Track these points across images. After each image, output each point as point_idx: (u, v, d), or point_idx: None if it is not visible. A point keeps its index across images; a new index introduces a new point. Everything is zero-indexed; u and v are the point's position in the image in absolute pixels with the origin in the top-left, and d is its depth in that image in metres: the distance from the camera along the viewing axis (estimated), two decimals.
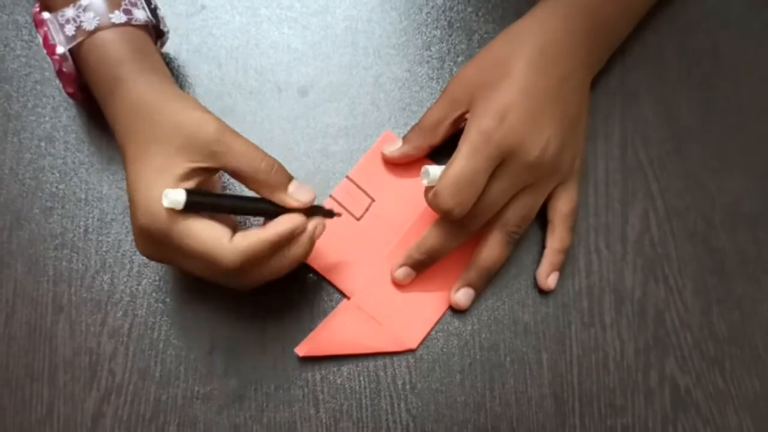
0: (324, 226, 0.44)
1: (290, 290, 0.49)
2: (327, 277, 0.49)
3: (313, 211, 0.44)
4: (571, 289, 0.49)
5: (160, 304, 0.48)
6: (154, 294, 0.48)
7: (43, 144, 0.51)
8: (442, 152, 0.50)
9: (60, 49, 0.44)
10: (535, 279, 0.49)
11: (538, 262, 0.49)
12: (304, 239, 0.43)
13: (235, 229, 0.42)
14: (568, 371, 0.48)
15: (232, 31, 0.54)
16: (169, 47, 0.52)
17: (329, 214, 0.46)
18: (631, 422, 0.47)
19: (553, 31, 0.47)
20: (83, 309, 0.48)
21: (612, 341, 0.48)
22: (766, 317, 0.49)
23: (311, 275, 0.49)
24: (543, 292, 0.49)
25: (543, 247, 0.49)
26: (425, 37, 0.54)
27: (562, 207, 0.49)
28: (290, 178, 0.43)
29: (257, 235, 0.41)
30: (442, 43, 0.54)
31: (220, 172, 0.43)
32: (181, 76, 0.52)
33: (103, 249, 0.49)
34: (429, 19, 0.55)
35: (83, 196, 0.50)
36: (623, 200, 0.51)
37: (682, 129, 0.53)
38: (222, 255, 0.40)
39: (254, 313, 0.48)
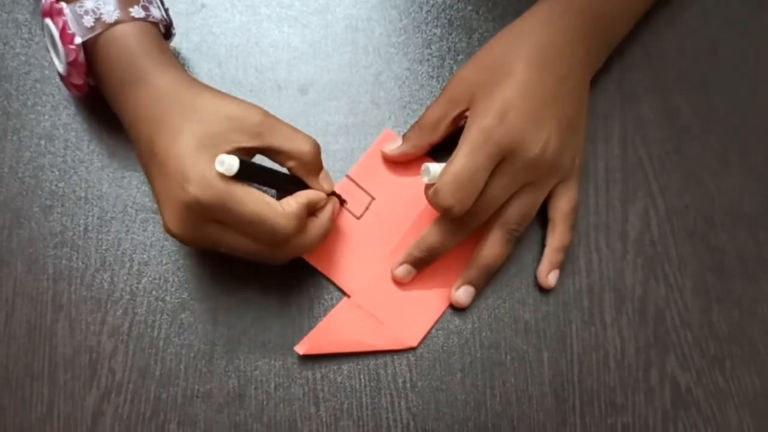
0: (340, 207, 0.48)
1: (290, 289, 0.49)
2: (327, 276, 0.49)
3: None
4: (571, 288, 0.49)
5: (160, 303, 0.48)
6: (154, 292, 0.48)
7: (42, 142, 0.51)
8: (442, 150, 0.50)
9: (78, 40, 0.44)
10: (535, 277, 0.49)
11: (539, 260, 0.49)
12: (327, 211, 0.46)
13: None
14: (568, 369, 0.48)
15: (232, 29, 0.54)
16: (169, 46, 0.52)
17: (342, 199, 0.49)
18: (631, 420, 0.47)
19: (553, 30, 0.48)
20: (83, 307, 0.48)
21: (612, 340, 0.48)
22: (765, 316, 0.49)
23: (311, 273, 0.49)
24: (543, 291, 0.49)
25: (543, 245, 0.49)
26: (425, 36, 0.54)
27: (562, 205, 0.49)
28: (322, 166, 0.46)
29: (295, 200, 0.43)
30: (443, 41, 0.54)
31: None
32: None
33: (103, 247, 0.49)
34: (429, 18, 0.55)
35: (83, 195, 0.50)
36: (623, 199, 0.51)
37: (681, 128, 0.53)
38: (279, 218, 0.41)
39: (254, 312, 0.48)
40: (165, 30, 0.48)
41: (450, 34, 0.54)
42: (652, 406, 0.47)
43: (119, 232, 0.49)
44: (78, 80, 0.46)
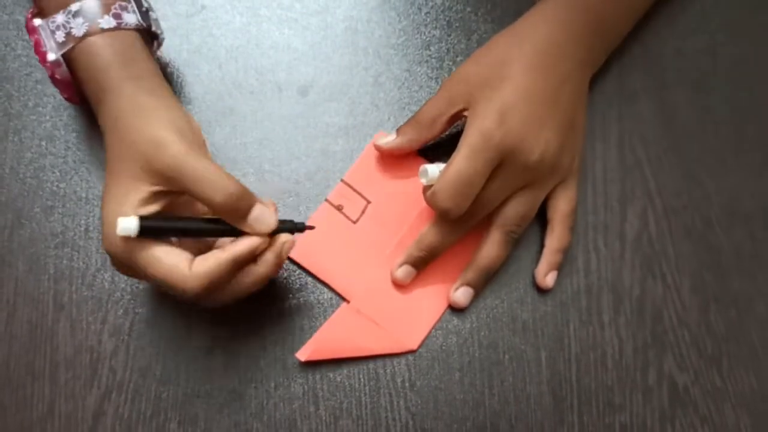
0: (293, 243, 0.42)
1: (290, 290, 0.49)
2: (325, 281, 0.49)
3: (281, 227, 0.42)
4: (569, 288, 0.50)
5: (161, 303, 0.48)
6: (154, 292, 0.48)
7: (44, 143, 0.51)
8: (440, 150, 0.50)
9: (51, 56, 0.43)
10: (533, 277, 0.49)
11: (537, 261, 0.49)
12: (268, 257, 0.41)
13: (200, 251, 0.41)
14: (566, 369, 0.48)
15: (232, 31, 0.54)
16: (169, 47, 0.52)
17: (299, 227, 0.44)
18: (629, 420, 0.47)
19: (552, 31, 0.48)
20: (84, 307, 0.48)
21: (610, 339, 0.49)
22: (762, 315, 0.49)
23: (310, 279, 0.49)
24: (541, 291, 0.49)
25: (542, 246, 0.50)
26: (424, 37, 0.54)
27: (561, 206, 0.49)
28: (251, 205, 0.41)
29: (216, 257, 0.40)
30: (442, 42, 0.54)
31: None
32: (181, 76, 0.53)
33: None
34: (428, 19, 0.55)
35: (84, 195, 0.50)
36: (621, 199, 0.51)
37: (679, 128, 0.53)
38: (182, 282, 0.39)
39: (254, 313, 0.48)
40: (149, 33, 0.47)
41: (449, 36, 0.55)
42: (650, 406, 0.48)
43: None
44: (63, 93, 0.46)
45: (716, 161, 0.53)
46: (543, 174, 0.47)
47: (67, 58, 0.44)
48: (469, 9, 0.55)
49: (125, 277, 0.48)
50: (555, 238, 0.49)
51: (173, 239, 0.42)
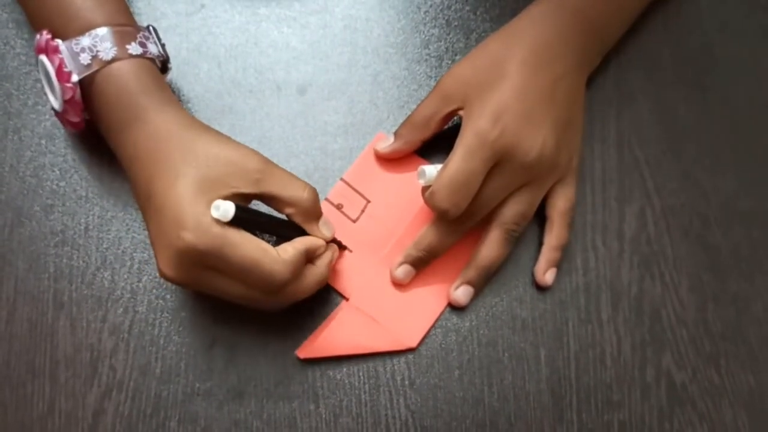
0: (338, 254, 0.48)
1: None
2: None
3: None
4: (568, 286, 0.50)
5: (161, 301, 0.48)
6: (154, 291, 0.48)
7: (43, 142, 0.51)
8: (438, 150, 0.50)
9: (75, 78, 0.43)
10: (532, 276, 0.50)
11: (536, 259, 0.50)
12: (325, 258, 0.45)
13: None
14: (565, 367, 0.48)
15: (231, 30, 0.54)
16: (168, 46, 0.52)
17: (342, 246, 0.49)
18: (627, 417, 0.48)
19: (547, 31, 0.48)
20: (84, 306, 0.48)
21: (609, 337, 0.49)
22: (760, 314, 0.50)
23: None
24: (541, 289, 0.50)
25: (541, 244, 0.50)
26: (423, 36, 0.55)
27: (559, 204, 0.49)
28: (321, 211, 0.45)
29: (293, 246, 0.43)
30: (440, 41, 0.55)
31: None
32: (180, 74, 0.53)
33: (104, 246, 0.49)
34: (427, 18, 0.55)
35: (84, 194, 0.50)
36: (620, 198, 0.52)
37: (677, 128, 0.53)
38: (273, 266, 0.41)
39: (254, 312, 0.48)
40: (162, 65, 0.48)
41: (448, 35, 0.55)
42: (648, 403, 0.48)
43: (120, 231, 0.49)
44: (74, 117, 0.46)
45: (714, 161, 0.53)
46: (541, 172, 0.47)
47: (86, 81, 0.44)
48: (467, 8, 0.55)
49: (125, 276, 0.48)
50: (553, 236, 0.49)
51: None
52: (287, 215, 0.44)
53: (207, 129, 0.44)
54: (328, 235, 0.46)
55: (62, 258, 0.49)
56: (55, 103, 0.45)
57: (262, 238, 0.42)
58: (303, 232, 0.45)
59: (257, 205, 0.45)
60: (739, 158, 0.53)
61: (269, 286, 0.41)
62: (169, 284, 0.48)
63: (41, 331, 0.48)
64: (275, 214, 0.45)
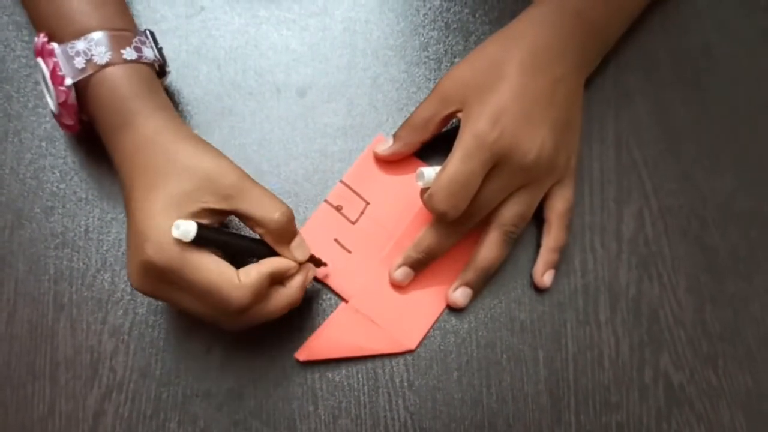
0: (314, 274, 0.46)
1: None
2: (324, 281, 0.49)
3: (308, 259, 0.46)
4: (566, 288, 0.50)
5: (160, 303, 0.48)
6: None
7: (43, 144, 0.51)
8: (436, 152, 0.50)
9: (68, 81, 0.44)
10: (531, 278, 0.50)
11: (534, 261, 0.50)
12: (297, 281, 0.44)
13: None
14: (563, 368, 0.48)
15: (231, 32, 0.54)
16: (168, 49, 0.53)
17: (318, 263, 0.47)
18: (625, 418, 0.48)
19: (546, 33, 0.48)
20: (84, 308, 0.48)
21: (607, 339, 0.49)
22: (757, 315, 0.50)
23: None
24: (539, 291, 0.50)
25: (539, 246, 0.50)
26: (422, 39, 0.55)
27: (557, 206, 0.49)
28: (296, 232, 0.44)
29: (257, 269, 0.41)
30: (439, 44, 0.55)
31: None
32: (180, 76, 0.53)
33: (104, 248, 0.49)
34: (426, 21, 0.55)
35: (84, 196, 0.50)
36: (618, 199, 0.52)
37: (675, 129, 0.54)
38: (232, 291, 0.40)
39: None
40: (159, 68, 0.48)
41: (447, 37, 0.55)
42: (646, 404, 0.48)
43: (119, 233, 0.50)
44: (69, 120, 0.46)
45: (712, 162, 0.53)
46: (539, 174, 0.47)
47: (78, 87, 0.44)
48: (466, 11, 0.56)
49: (125, 278, 0.49)
50: (551, 238, 0.49)
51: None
52: (259, 235, 0.43)
53: (191, 138, 0.44)
54: (299, 258, 0.44)
55: (62, 260, 0.49)
56: (52, 106, 0.46)
57: (229, 257, 0.41)
58: (275, 253, 0.44)
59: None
60: (737, 159, 0.53)
61: (227, 310, 0.41)
62: None
63: (41, 332, 0.48)
64: (249, 233, 0.45)
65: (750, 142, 0.54)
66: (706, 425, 0.48)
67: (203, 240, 0.40)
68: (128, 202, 0.42)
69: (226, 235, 0.42)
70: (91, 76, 0.44)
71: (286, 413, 0.47)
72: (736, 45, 0.56)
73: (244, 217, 0.42)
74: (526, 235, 0.50)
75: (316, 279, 0.49)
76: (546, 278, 0.49)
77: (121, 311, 0.48)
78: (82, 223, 0.50)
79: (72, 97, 0.44)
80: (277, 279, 0.43)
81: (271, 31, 0.54)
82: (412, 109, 0.52)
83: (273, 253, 0.44)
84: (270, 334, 0.48)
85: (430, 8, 0.56)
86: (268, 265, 0.42)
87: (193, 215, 0.41)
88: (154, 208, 0.40)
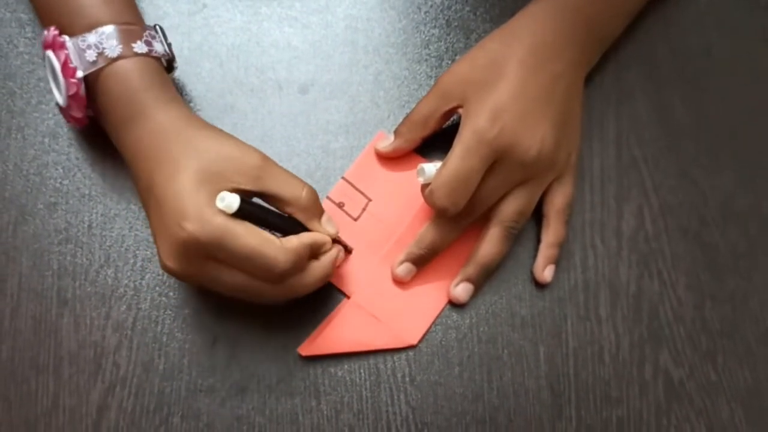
0: (344, 257, 0.48)
1: None
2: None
3: (334, 242, 0.47)
4: (567, 284, 0.50)
5: (164, 298, 0.49)
6: (157, 288, 0.49)
7: (47, 140, 0.51)
8: (437, 148, 0.51)
9: (80, 73, 0.44)
10: (531, 273, 0.50)
11: (535, 256, 0.50)
12: (330, 255, 0.45)
13: None
14: (564, 364, 0.49)
15: (233, 29, 0.54)
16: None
17: (346, 247, 0.48)
18: (626, 413, 0.48)
19: (546, 30, 0.48)
20: (87, 303, 0.48)
21: (607, 334, 0.49)
22: (756, 311, 0.50)
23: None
24: (540, 287, 0.50)
25: (539, 241, 0.50)
26: (424, 36, 0.55)
27: (556, 201, 0.50)
28: (322, 209, 0.46)
29: (298, 238, 0.43)
30: (441, 41, 0.55)
31: None
32: (182, 73, 0.53)
33: (107, 244, 0.50)
34: (427, 18, 0.55)
35: (87, 192, 0.51)
36: (618, 197, 0.52)
37: (675, 127, 0.54)
38: (276, 254, 0.41)
39: (256, 309, 0.49)
40: (167, 64, 0.48)
41: (448, 35, 0.55)
42: (646, 400, 0.48)
43: (123, 229, 0.50)
44: (78, 113, 0.46)
45: (711, 160, 0.53)
46: (539, 170, 0.47)
47: (91, 78, 0.44)
48: (467, 8, 0.56)
49: (128, 274, 0.49)
50: (550, 233, 0.50)
51: None
52: (288, 214, 0.44)
53: (208, 126, 0.45)
54: (331, 231, 0.46)
55: (66, 255, 0.49)
56: (60, 99, 0.46)
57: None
58: (307, 230, 0.45)
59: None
60: (737, 157, 0.53)
61: (271, 273, 0.41)
62: (172, 281, 0.49)
63: (45, 327, 0.48)
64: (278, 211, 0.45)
65: (750, 141, 0.54)
66: (706, 421, 0.48)
67: (243, 213, 0.41)
68: (150, 189, 0.42)
69: (265, 210, 0.43)
70: (101, 69, 0.44)
71: (288, 408, 0.47)
72: (736, 44, 0.56)
73: (272, 197, 0.43)
74: (526, 231, 0.51)
75: None
76: (546, 273, 0.50)
77: (125, 306, 0.48)
78: (86, 219, 0.50)
79: (82, 89, 0.45)
80: (315, 252, 0.44)
81: (273, 28, 0.55)
82: (414, 106, 0.53)
83: (304, 230, 0.45)
84: (273, 330, 0.48)
85: (431, 6, 0.56)
86: (307, 236, 0.43)
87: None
88: (187, 186, 0.41)
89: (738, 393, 0.49)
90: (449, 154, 0.45)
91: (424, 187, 0.47)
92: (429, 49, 0.55)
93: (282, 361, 0.48)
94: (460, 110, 0.47)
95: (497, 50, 0.48)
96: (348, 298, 0.49)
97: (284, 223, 0.44)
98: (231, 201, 0.40)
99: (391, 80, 0.54)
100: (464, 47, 0.55)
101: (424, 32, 0.55)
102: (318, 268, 0.44)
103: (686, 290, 0.50)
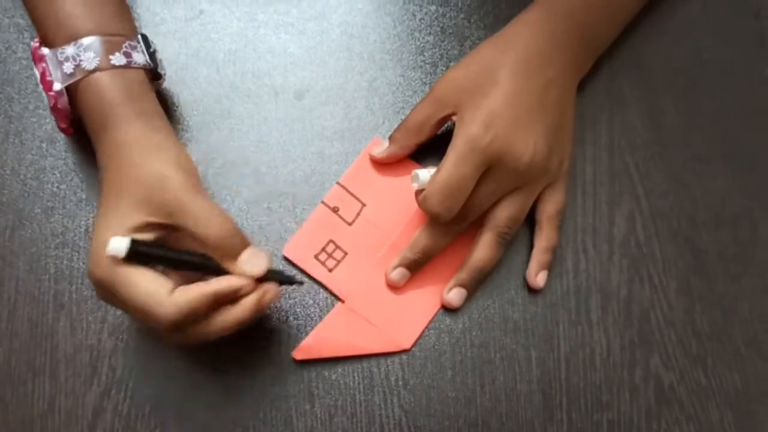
0: (277, 294, 0.43)
1: (285, 294, 0.50)
2: (321, 281, 0.50)
3: (271, 276, 0.43)
4: (559, 289, 0.51)
5: None
6: None
7: (44, 145, 0.52)
8: (431, 154, 0.51)
9: (57, 86, 0.44)
10: (524, 278, 0.51)
11: (527, 262, 0.51)
12: (247, 302, 0.41)
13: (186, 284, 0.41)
14: (555, 368, 0.49)
15: (230, 35, 0.55)
16: (167, 51, 0.53)
17: (289, 280, 0.46)
18: (616, 417, 0.48)
19: (539, 37, 0.49)
20: (84, 306, 0.49)
21: (598, 339, 0.50)
22: (746, 315, 0.51)
23: (306, 279, 0.50)
24: (532, 291, 0.50)
25: (532, 247, 0.51)
26: (418, 43, 0.56)
27: (549, 207, 0.50)
28: (243, 247, 0.42)
29: (199, 288, 0.40)
30: (435, 48, 0.55)
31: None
32: (179, 79, 0.53)
33: None
34: (422, 25, 0.56)
35: (84, 196, 0.51)
36: (610, 202, 0.52)
37: (666, 133, 0.54)
38: (158, 309, 0.39)
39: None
40: (154, 72, 0.48)
41: (442, 42, 0.56)
42: (637, 403, 0.49)
43: None
44: (61, 124, 0.47)
45: (702, 165, 0.54)
46: (532, 177, 0.48)
47: (71, 90, 0.45)
48: (462, 16, 0.56)
49: None
50: (543, 238, 0.50)
51: (160, 269, 0.41)
52: (206, 252, 0.42)
53: (157, 147, 0.44)
54: (250, 272, 0.42)
55: (63, 259, 0.50)
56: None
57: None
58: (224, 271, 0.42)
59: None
60: (727, 162, 0.54)
61: (158, 327, 0.40)
62: None
63: (42, 331, 0.48)
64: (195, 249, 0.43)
65: (740, 146, 0.54)
66: (696, 424, 0.49)
67: (141, 256, 0.40)
68: (98, 207, 0.43)
69: (166, 250, 0.41)
70: (79, 81, 0.44)
71: (282, 411, 0.48)
72: (727, 51, 0.57)
73: (187, 234, 0.41)
74: (519, 236, 0.51)
75: (312, 279, 0.50)
76: (539, 279, 0.50)
77: (120, 310, 0.49)
78: (82, 223, 0.50)
79: (63, 101, 0.45)
80: (226, 298, 0.41)
81: (270, 34, 0.55)
82: (409, 112, 0.53)
83: (222, 272, 0.42)
84: (267, 333, 0.49)
85: (426, 13, 0.56)
86: (214, 284, 0.41)
87: (137, 229, 0.41)
88: (102, 222, 0.41)
89: (727, 397, 0.49)
90: (443, 161, 0.45)
91: (419, 192, 0.47)
92: (424, 55, 0.55)
93: (276, 364, 0.48)
94: (455, 117, 0.48)
95: (491, 57, 0.48)
96: (342, 302, 0.49)
97: (199, 262, 0.42)
98: (117, 247, 0.39)
99: (386, 86, 0.54)
100: (458, 54, 0.55)
101: (418, 39, 0.56)
102: (231, 314, 0.41)
103: (677, 294, 0.51)
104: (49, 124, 0.52)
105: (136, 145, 0.43)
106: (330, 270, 0.50)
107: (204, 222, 0.41)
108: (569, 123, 0.51)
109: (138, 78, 0.46)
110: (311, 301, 0.50)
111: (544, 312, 0.50)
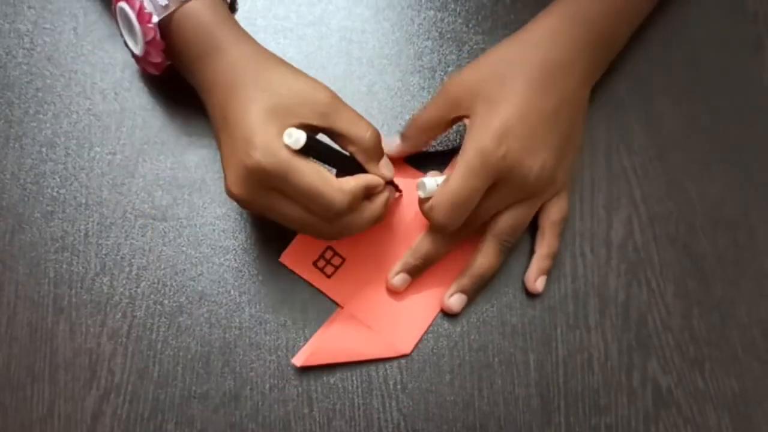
0: (396, 198, 0.50)
1: (284, 293, 0.50)
2: (320, 287, 0.50)
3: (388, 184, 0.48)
4: (557, 293, 0.51)
5: (158, 306, 0.49)
6: (152, 296, 0.49)
7: (44, 150, 0.52)
8: (430, 160, 0.52)
9: (155, 18, 0.45)
10: (522, 283, 0.51)
11: (526, 267, 0.51)
12: (382, 198, 0.46)
13: None
14: (554, 372, 0.49)
15: None
16: None
17: (397, 188, 0.50)
18: (614, 421, 0.48)
19: (557, 47, 0.48)
20: (83, 311, 0.49)
21: (596, 343, 0.50)
22: (744, 319, 0.51)
23: (305, 285, 0.50)
24: (530, 296, 0.51)
25: (531, 252, 0.51)
26: (417, 48, 0.56)
27: (552, 215, 0.50)
28: (383, 152, 0.47)
29: (355, 178, 0.44)
30: (434, 53, 0.56)
31: None
32: (179, 83, 0.53)
33: (103, 252, 0.50)
34: (421, 30, 0.56)
35: (83, 201, 0.51)
36: (608, 206, 0.53)
37: (664, 137, 0.54)
38: (332, 192, 0.42)
39: (250, 318, 0.49)
40: (230, 5, 0.50)
41: (441, 47, 0.56)
42: (634, 407, 0.49)
43: (118, 238, 0.50)
44: (156, 58, 0.48)
45: (700, 169, 0.54)
46: (539, 189, 0.48)
47: (164, 21, 0.46)
48: (460, 21, 0.56)
49: (123, 282, 0.49)
50: (545, 245, 0.50)
51: None
52: (350, 152, 0.46)
53: (281, 61, 0.47)
54: (387, 175, 0.47)
55: (62, 264, 0.50)
56: (137, 48, 0.48)
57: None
58: (364, 171, 0.46)
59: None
60: (724, 166, 0.54)
61: (328, 213, 0.43)
62: (167, 289, 0.49)
63: (41, 335, 0.49)
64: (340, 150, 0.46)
65: (737, 150, 0.54)
66: (693, 428, 0.49)
67: (308, 150, 0.42)
68: (223, 118, 0.44)
69: (329, 149, 0.45)
70: (173, 12, 0.46)
71: (281, 415, 0.48)
72: (725, 55, 0.57)
73: (338, 135, 0.45)
74: (519, 242, 0.51)
75: (311, 285, 0.50)
76: (538, 284, 0.50)
77: (120, 314, 0.49)
78: (82, 227, 0.51)
79: (158, 33, 0.46)
80: (368, 193, 0.45)
81: (269, 39, 0.55)
82: (408, 116, 0.53)
83: (361, 171, 0.46)
84: (266, 338, 0.49)
85: (424, 18, 0.56)
86: (362, 178, 0.45)
87: (294, 127, 0.43)
88: (258, 117, 0.43)
89: (725, 400, 0.49)
90: (454, 172, 0.45)
91: (422, 200, 0.47)
92: (422, 60, 0.55)
93: (275, 368, 0.48)
94: (467, 121, 0.48)
95: (508, 61, 0.48)
96: (341, 308, 0.50)
97: (344, 163, 0.46)
98: (298, 137, 0.41)
99: (385, 91, 0.55)
100: (457, 59, 0.55)
101: (417, 44, 0.56)
102: (370, 209, 0.46)
103: (674, 298, 0.51)
104: (49, 129, 0.52)
105: (261, 59, 0.46)
106: (329, 276, 0.50)
107: (359, 125, 0.45)
108: (579, 134, 0.51)
109: (225, 7, 0.48)
110: (310, 308, 0.50)
111: (542, 316, 0.50)
